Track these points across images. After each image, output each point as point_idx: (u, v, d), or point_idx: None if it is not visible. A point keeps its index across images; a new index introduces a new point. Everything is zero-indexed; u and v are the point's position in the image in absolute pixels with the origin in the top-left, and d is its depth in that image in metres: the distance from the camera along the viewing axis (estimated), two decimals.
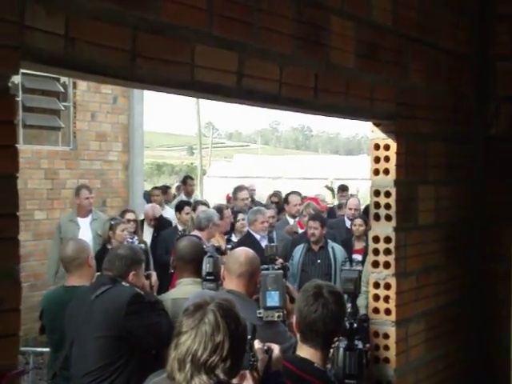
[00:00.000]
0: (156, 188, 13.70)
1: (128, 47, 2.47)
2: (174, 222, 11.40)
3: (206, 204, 11.91)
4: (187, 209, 10.73)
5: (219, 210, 9.38)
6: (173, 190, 16.36)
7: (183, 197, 14.39)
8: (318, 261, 8.54)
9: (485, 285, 4.91)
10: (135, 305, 4.82)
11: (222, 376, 2.94)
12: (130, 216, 9.70)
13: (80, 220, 9.98)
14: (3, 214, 2.07)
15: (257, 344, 3.39)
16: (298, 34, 3.27)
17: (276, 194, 14.86)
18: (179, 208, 11.08)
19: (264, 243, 8.96)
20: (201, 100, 32.49)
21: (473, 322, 4.94)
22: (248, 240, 9.10)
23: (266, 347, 3.46)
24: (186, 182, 15.47)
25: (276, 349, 3.51)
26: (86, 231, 9.67)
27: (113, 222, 8.51)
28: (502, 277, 4.68)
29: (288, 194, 12.91)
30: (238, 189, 13.33)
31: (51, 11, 2.22)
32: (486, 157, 5.02)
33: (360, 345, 4.00)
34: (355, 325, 4.03)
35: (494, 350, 4.80)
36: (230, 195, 14.20)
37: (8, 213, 2.08)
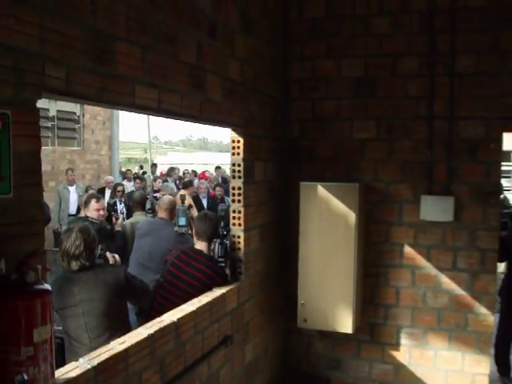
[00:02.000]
0: (128, 170, 14.93)
1: (99, 85, 2.42)
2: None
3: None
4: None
5: (190, 182, 9.96)
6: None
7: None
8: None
9: (289, 209, 4.93)
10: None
11: (83, 261, 3.34)
12: (119, 188, 9.96)
13: (70, 187, 10.43)
14: (35, 171, 2.08)
15: (108, 254, 3.75)
16: (190, 81, 3.25)
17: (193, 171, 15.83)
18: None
19: (204, 199, 10.05)
20: (150, 122, 32.90)
21: (283, 230, 4.98)
22: (196, 196, 9.67)
23: (112, 255, 3.78)
24: (170, 172, 15.22)
25: (117, 256, 3.86)
26: (73, 194, 10.32)
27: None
28: (296, 207, 4.69)
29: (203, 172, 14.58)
30: (172, 169, 14.64)
31: (58, 66, 2.17)
32: (288, 148, 5.04)
33: (227, 242, 4.07)
34: (225, 232, 4.08)
35: (292, 244, 4.83)
36: (164, 172, 15.56)
37: (36, 170, 2.10)
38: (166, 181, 13.00)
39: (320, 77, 4.92)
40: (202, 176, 12.50)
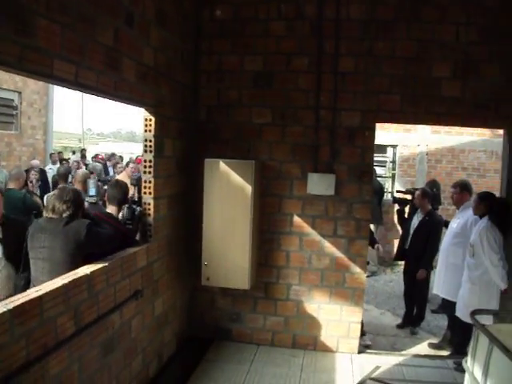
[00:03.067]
0: (52, 153, 13.56)
1: (19, 54, 2.39)
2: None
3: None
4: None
5: (127, 164, 9.86)
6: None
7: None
8: None
9: (196, 182, 4.94)
10: None
11: (64, 215, 3.32)
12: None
13: None
14: None
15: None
16: (106, 61, 3.23)
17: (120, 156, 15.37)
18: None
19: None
20: (84, 115, 31.77)
21: (190, 201, 5.03)
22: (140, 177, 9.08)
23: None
24: (110, 157, 14.82)
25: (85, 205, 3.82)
26: None
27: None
28: (201, 181, 4.77)
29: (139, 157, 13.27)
30: (112, 154, 14.82)
31: None
32: (196, 129, 5.09)
33: (136, 207, 4.07)
34: (136, 199, 4.07)
35: (198, 213, 4.90)
36: (101, 155, 15.13)
37: None
38: (105, 164, 13.13)
39: (225, 69, 5.04)
40: (139, 161, 12.40)
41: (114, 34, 3.32)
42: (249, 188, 4.63)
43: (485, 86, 4.69)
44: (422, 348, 5.51)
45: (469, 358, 2.83)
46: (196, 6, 5.00)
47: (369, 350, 5.26)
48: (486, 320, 3.26)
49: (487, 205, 4.75)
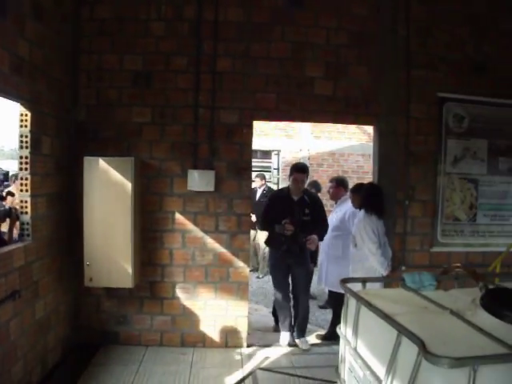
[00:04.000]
0: None
1: None
2: None
3: None
4: None
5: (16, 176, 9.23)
6: None
7: None
8: None
9: (77, 182, 4.99)
10: None
11: None
12: None
13: None
14: None
15: None
16: (17, 52, 3.31)
17: None
18: None
19: None
20: None
21: (72, 201, 5.09)
22: None
23: None
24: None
25: None
26: None
27: None
28: (82, 181, 4.87)
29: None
30: None
31: None
32: (77, 129, 5.20)
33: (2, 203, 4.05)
34: (4, 194, 4.03)
35: (81, 213, 4.96)
36: None
37: None
38: None
39: (105, 69, 5.22)
40: None
41: None
42: (129, 185, 4.84)
43: (355, 86, 5.40)
44: (311, 339, 5.99)
45: (342, 324, 3.11)
46: (76, 4, 5.17)
47: (258, 343, 5.65)
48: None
49: (360, 195, 5.28)
